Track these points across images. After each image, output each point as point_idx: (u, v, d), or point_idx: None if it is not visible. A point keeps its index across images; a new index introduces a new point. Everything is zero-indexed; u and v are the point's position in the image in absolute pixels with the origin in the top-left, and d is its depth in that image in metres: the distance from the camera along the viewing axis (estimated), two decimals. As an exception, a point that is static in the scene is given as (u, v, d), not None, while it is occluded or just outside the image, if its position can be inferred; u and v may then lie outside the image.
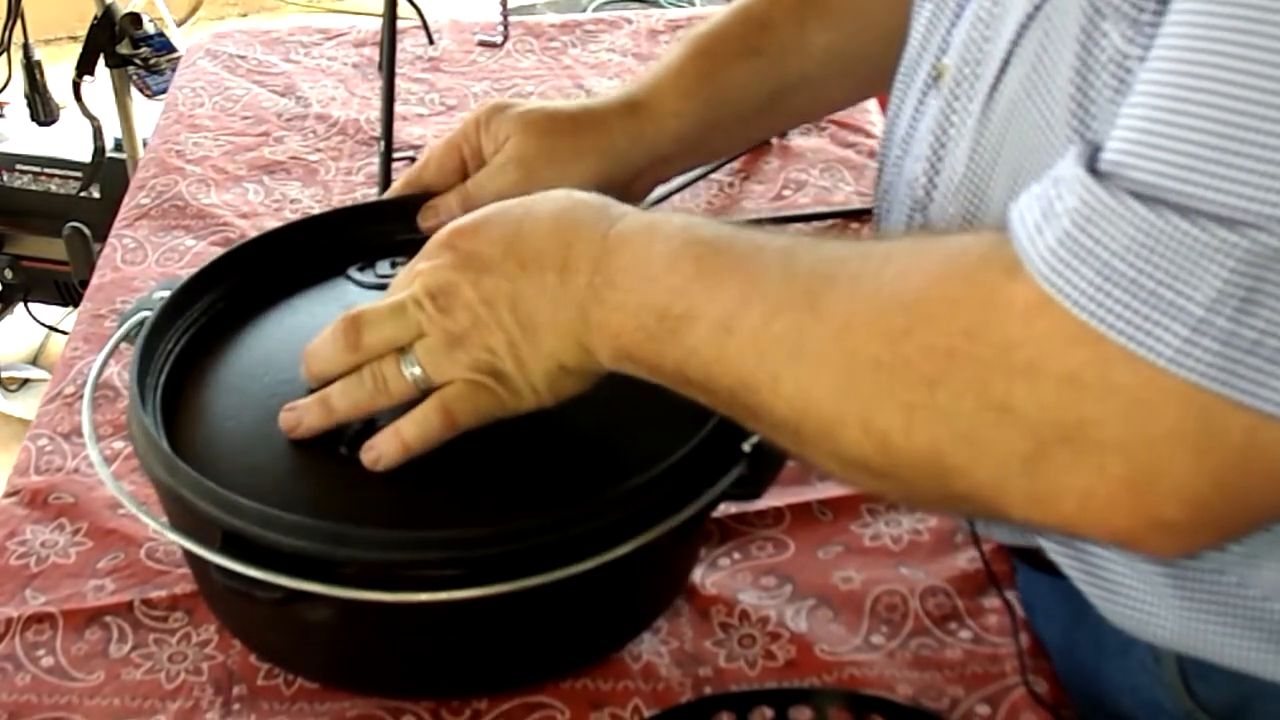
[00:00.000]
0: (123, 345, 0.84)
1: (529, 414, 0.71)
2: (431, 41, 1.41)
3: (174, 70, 1.57)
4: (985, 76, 0.67)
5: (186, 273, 0.85)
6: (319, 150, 1.24)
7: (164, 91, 1.68)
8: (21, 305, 2.45)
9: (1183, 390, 0.51)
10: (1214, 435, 0.51)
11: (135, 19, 2.04)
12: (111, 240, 1.14)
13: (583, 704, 0.74)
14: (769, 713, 0.72)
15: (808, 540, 0.84)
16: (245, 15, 3.66)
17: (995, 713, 0.73)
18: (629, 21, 1.44)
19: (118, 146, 2.18)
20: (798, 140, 1.21)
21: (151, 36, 2.06)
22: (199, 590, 0.79)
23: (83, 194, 2.24)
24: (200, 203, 1.17)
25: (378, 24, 1.30)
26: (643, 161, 0.91)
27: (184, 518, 0.71)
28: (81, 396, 0.83)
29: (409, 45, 1.38)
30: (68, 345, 1.03)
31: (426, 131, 1.25)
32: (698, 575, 0.81)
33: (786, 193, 1.16)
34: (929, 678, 0.76)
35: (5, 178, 2.31)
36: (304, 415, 0.72)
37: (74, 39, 2.30)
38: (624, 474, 0.70)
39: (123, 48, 2.05)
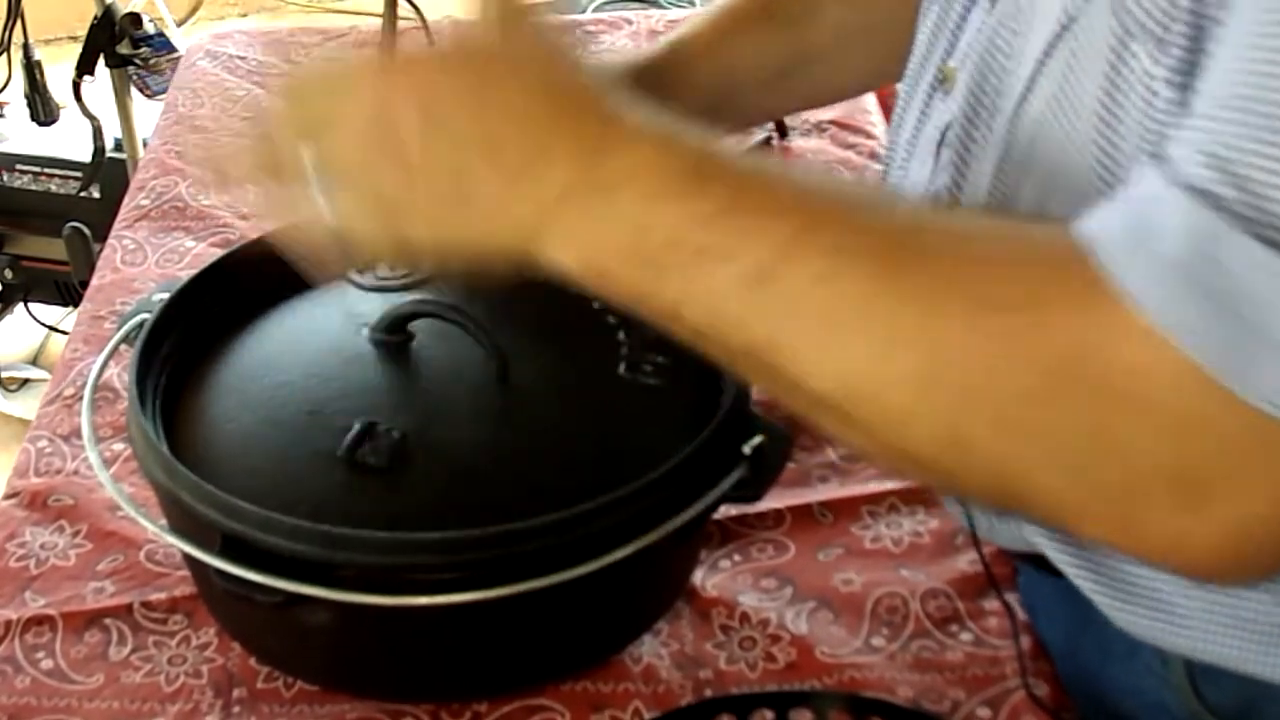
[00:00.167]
0: (122, 347, 0.84)
1: (528, 415, 0.71)
2: (432, 42, 1.40)
3: (174, 70, 1.57)
4: (1010, 93, 0.65)
5: (186, 274, 0.85)
6: (319, 151, 1.24)
7: (164, 91, 1.68)
8: (21, 305, 2.44)
9: None
10: None
11: (135, 19, 2.04)
12: (111, 241, 1.14)
13: (583, 706, 0.74)
14: (769, 715, 0.71)
15: (808, 542, 0.84)
16: (245, 15, 3.66)
17: (996, 715, 0.73)
18: (629, 22, 1.44)
19: (118, 146, 2.18)
20: (798, 141, 1.21)
21: (151, 36, 2.05)
22: (199, 593, 0.79)
23: (83, 194, 2.24)
24: (200, 204, 1.17)
25: (378, 25, 1.30)
26: None
27: (183, 521, 0.71)
28: (81, 398, 0.83)
29: (409, 46, 1.38)
30: (67, 346, 1.03)
31: (426, 132, 1.25)
32: (698, 577, 0.81)
33: (787, 193, 1.15)
34: (929, 680, 0.75)
35: (5, 178, 2.30)
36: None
37: (74, 39, 2.30)
38: (624, 476, 0.70)
39: (123, 48, 2.04)
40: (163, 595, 0.81)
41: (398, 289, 0.82)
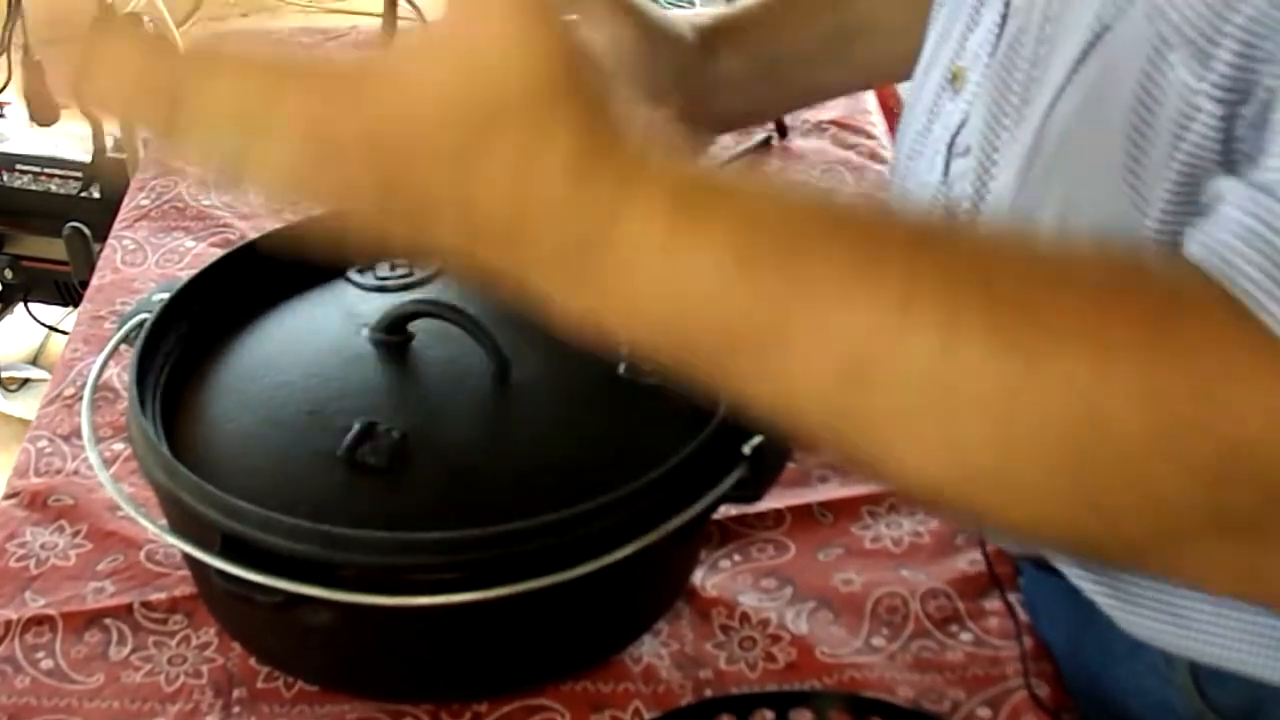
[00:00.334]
0: (122, 347, 0.84)
1: (528, 415, 0.71)
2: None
3: (174, 71, 1.57)
4: (1037, 100, 0.64)
5: (186, 274, 0.85)
6: (319, 151, 1.24)
7: (164, 92, 1.68)
8: (21, 305, 2.44)
9: None
10: None
11: (135, 19, 2.04)
12: (111, 241, 1.14)
13: (583, 706, 0.74)
14: (769, 715, 0.71)
15: (808, 542, 0.84)
16: (245, 15, 3.66)
17: (996, 715, 0.73)
18: (629, 22, 1.44)
19: (118, 146, 2.18)
20: (798, 141, 1.21)
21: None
22: (199, 593, 0.79)
23: (83, 194, 2.24)
24: (200, 204, 1.17)
25: (378, 25, 1.30)
26: (699, 90, 0.87)
27: (183, 521, 0.71)
28: (81, 398, 0.83)
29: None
30: (67, 346, 1.03)
31: (426, 132, 1.25)
32: (698, 577, 0.81)
33: (787, 193, 1.15)
34: (930, 680, 0.75)
35: (5, 178, 2.30)
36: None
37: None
38: (624, 476, 0.70)
39: (123, 48, 2.04)
40: (163, 595, 0.81)
41: (398, 289, 0.82)
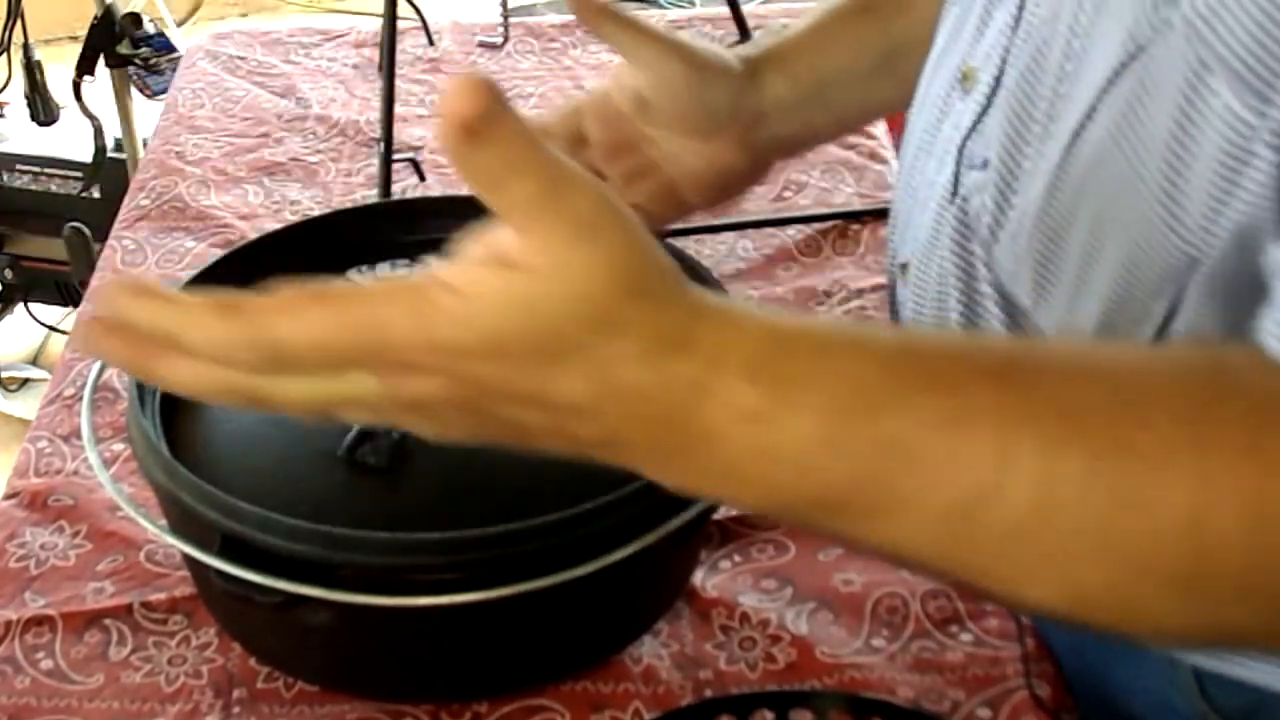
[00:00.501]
0: (122, 347, 0.84)
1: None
2: (432, 43, 1.41)
3: (174, 70, 1.57)
4: (1065, 117, 0.63)
5: (186, 274, 0.85)
6: (319, 152, 1.24)
7: (164, 91, 1.68)
8: (21, 305, 2.45)
9: None
10: None
11: (135, 19, 2.04)
12: (111, 242, 1.14)
13: (583, 706, 0.74)
14: (770, 715, 0.71)
15: (808, 543, 0.83)
16: (245, 15, 3.66)
17: (996, 716, 0.73)
18: (629, 21, 1.44)
19: (118, 146, 2.18)
20: (798, 141, 1.21)
21: (151, 36, 2.06)
22: (198, 593, 0.79)
23: (83, 194, 2.24)
24: (200, 204, 1.17)
25: (378, 25, 1.30)
26: (751, 117, 0.88)
27: (183, 521, 0.71)
28: (81, 398, 0.83)
29: (409, 46, 1.38)
30: (67, 346, 1.03)
31: (426, 133, 1.25)
32: (698, 578, 0.81)
33: (787, 194, 1.16)
34: (930, 680, 0.75)
35: (5, 178, 2.31)
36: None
37: (74, 39, 2.30)
38: (625, 476, 0.69)
39: (123, 48, 2.05)
40: (163, 595, 0.81)
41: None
